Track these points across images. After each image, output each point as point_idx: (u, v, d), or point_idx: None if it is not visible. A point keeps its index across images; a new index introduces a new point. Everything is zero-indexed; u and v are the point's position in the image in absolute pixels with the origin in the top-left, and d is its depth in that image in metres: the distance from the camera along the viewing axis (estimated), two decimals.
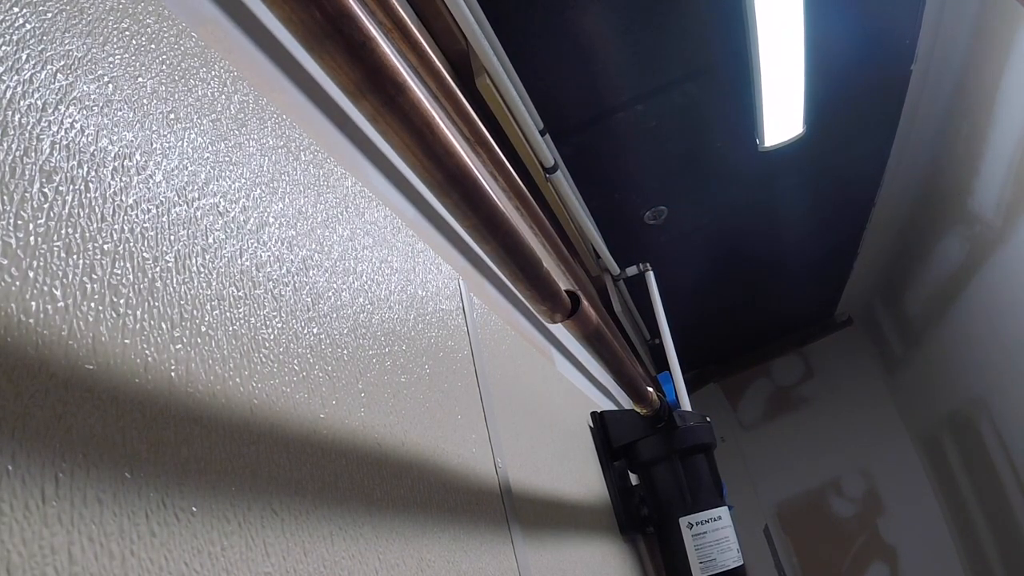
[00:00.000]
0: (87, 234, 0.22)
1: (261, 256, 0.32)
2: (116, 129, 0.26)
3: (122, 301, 0.23)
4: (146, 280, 0.24)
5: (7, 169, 0.20)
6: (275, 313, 0.31)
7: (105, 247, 0.23)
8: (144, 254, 0.25)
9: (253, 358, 0.28)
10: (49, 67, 0.23)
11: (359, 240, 0.43)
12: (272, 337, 0.30)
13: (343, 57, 0.22)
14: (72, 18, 0.25)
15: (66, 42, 0.25)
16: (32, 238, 0.20)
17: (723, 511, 0.85)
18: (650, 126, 1.79)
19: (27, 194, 0.21)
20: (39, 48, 0.23)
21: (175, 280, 0.26)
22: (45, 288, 0.20)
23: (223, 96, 0.34)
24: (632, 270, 2.10)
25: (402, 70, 0.23)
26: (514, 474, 0.53)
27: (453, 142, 0.27)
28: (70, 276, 0.21)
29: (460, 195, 0.29)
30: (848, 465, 3.66)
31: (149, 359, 0.23)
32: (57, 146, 0.22)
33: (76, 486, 0.19)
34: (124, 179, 0.25)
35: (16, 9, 0.23)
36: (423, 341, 0.47)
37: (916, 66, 1.88)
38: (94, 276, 0.22)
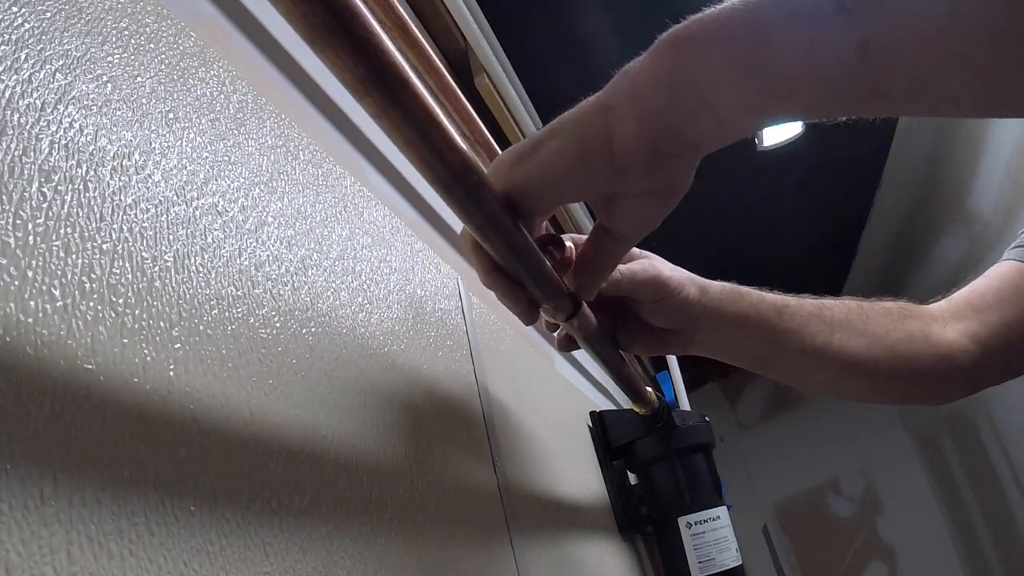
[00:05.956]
0: (86, 233, 0.22)
1: (260, 255, 0.32)
2: (115, 128, 0.26)
3: (121, 300, 0.23)
4: (145, 279, 0.24)
5: (6, 169, 0.20)
6: (274, 313, 0.31)
7: (104, 246, 0.23)
8: (143, 253, 0.24)
9: (252, 357, 0.28)
10: (48, 67, 0.23)
11: (358, 239, 0.43)
12: (271, 337, 0.30)
13: (347, 53, 0.21)
14: (71, 18, 0.25)
15: (65, 42, 0.25)
16: (31, 237, 0.20)
17: (722, 511, 0.85)
18: None
19: (26, 194, 0.21)
20: (38, 48, 0.23)
21: (174, 280, 0.26)
22: (44, 287, 0.20)
23: (222, 96, 0.34)
24: None
25: (405, 66, 0.23)
26: (513, 473, 0.53)
27: (457, 138, 0.27)
28: (69, 275, 0.21)
29: (464, 193, 0.28)
30: (847, 464, 3.66)
31: (148, 358, 0.23)
32: (56, 145, 0.22)
33: (75, 485, 0.19)
34: (123, 178, 0.25)
35: (15, 9, 0.23)
36: (422, 340, 0.47)
37: None
38: (93, 275, 0.22)
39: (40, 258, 0.20)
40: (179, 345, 0.25)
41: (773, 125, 0.30)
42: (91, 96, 0.25)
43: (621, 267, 0.47)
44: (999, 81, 0.24)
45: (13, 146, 0.21)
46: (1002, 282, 0.56)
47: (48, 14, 0.24)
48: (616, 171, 0.31)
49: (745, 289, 0.53)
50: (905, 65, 0.25)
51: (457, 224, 0.65)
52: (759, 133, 1.97)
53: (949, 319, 0.56)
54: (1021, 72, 0.23)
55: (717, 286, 0.52)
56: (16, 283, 0.19)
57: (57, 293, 0.20)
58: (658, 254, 0.51)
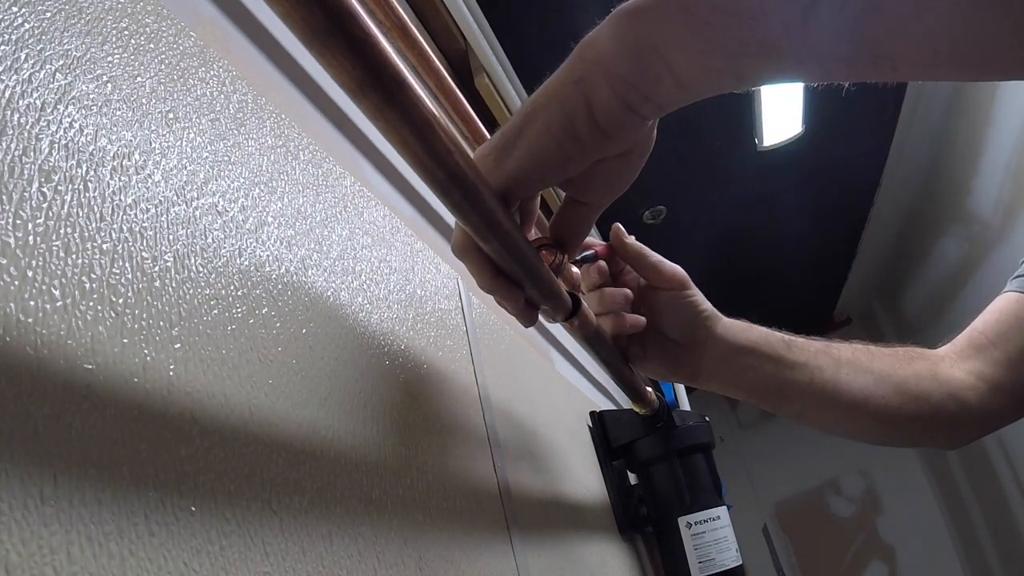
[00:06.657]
0: (86, 233, 0.22)
1: (260, 256, 0.32)
2: (115, 128, 0.26)
3: (121, 300, 0.23)
4: (145, 279, 0.24)
5: (6, 168, 0.20)
6: (273, 313, 0.31)
7: (104, 246, 0.23)
8: (143, 253, 0.25)
9: (251, 357, 0.28)
10: (48, 67, 0.23)
11: (358, 239, 0.43)
12: (271, 337, 0.30)
13: (344, 55, 0.21)
14: (71, 18, 0.25)
15: (65, 42, 0.25)
16: (31, 237, 0.20)
17: (722, 511, 0.85)
18: None
19: (26, 194, 0.21)
20: (38, 48, 0.23)
21: (174, 280, 0.26)
22: (44, 287, 0.20)
23: (222, 95, 0.34)
24: None
25: (403, 67, 0.23)
26: (513, 474, 0.54)
27: (455, 140, 0.27)
28: (69, 275, 0.21)
29: (461, 194, 0.28)
30: (847, 465, 3.66)
31: (148, 359, 0.23)
32: (56, 145, 0.22)
33: (75, 485, 0.19)
34: (123, 178, 0.25)
35: (15, 9, 0.23)
36: (422, 341, 0.47)
37: None
38: (93, 275, 0.22)
39: (40, 258, 0.20)
40: (179, 345, 0.25)
41: (740, 88, 0.31)
42: (91, 96, 0.25)
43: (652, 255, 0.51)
44: (948, 45, 0.25)
45: (13, 146, 0.21)
46: (1002, 315, 0.57)
47: (48, 14, 0.24)
48: (601, 136, 0.32)
49: (755, 324, 0.55)
50: (848, 29, 0.26)
51: None
52: (759, 132, 1.97)
53: (955, 359, 0.57)
54: (941, 32, 0.24)
55: (729, 319, 0.54)
56: (16, 283, 0.19)
57: (57, 293, 0.20)
58: (661, 254, 0.52)
